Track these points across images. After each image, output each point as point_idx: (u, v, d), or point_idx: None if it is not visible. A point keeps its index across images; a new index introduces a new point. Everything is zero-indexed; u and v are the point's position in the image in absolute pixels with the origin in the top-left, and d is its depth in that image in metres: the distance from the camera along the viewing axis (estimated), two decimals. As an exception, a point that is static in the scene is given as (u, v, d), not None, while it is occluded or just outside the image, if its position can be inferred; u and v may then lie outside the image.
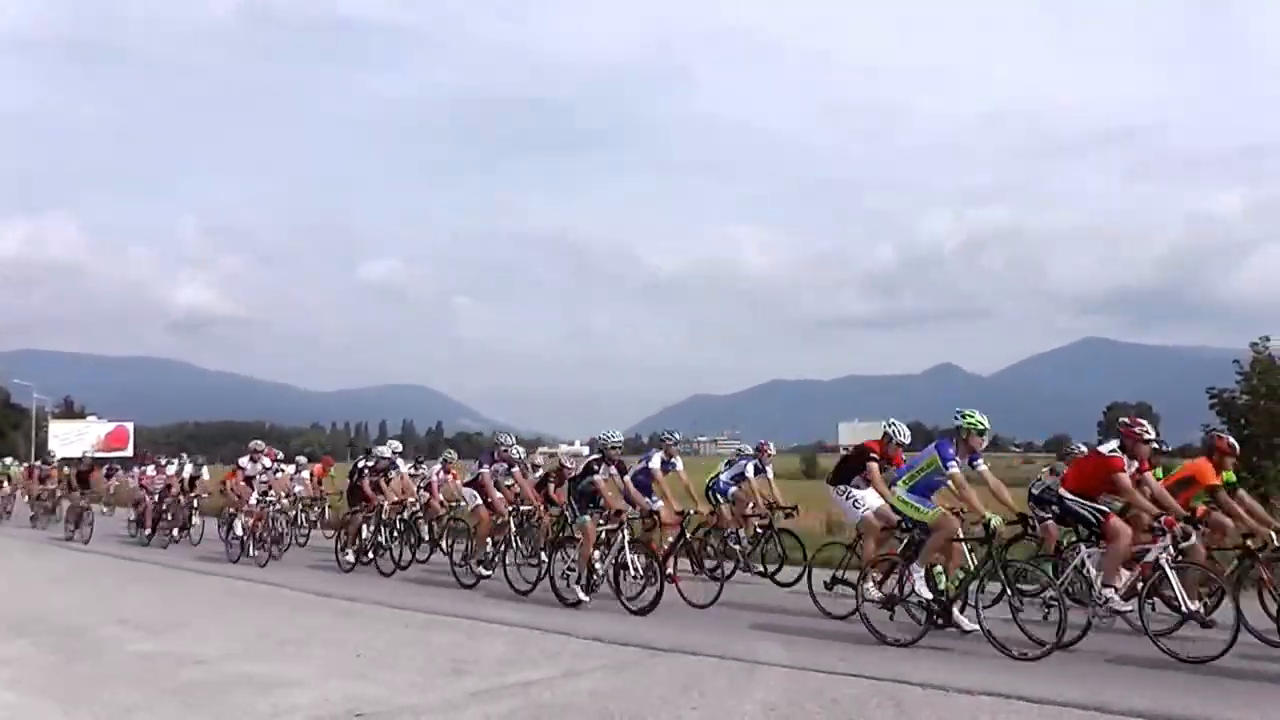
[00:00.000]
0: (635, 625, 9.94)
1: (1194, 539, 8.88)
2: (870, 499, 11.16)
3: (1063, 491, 9.23)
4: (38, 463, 32.59)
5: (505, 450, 14.15)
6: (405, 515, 15.56)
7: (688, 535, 12.68)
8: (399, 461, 16.76)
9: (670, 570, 11.49)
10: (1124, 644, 8.74)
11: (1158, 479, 9.56)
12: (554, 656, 8.37)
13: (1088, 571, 8.84)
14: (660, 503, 12.90)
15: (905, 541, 10.01)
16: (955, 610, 8.95)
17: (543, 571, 12.25)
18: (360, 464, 16.83)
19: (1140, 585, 8.52)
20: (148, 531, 20.79)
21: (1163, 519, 8.45)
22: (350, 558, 15.53)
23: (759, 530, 13.90)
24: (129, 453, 67.68)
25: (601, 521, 11.67)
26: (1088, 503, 8.97)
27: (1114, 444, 9.14)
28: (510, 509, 13.75)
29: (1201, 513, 9.08)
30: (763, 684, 7.27)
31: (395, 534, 15.31)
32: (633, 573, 11.16)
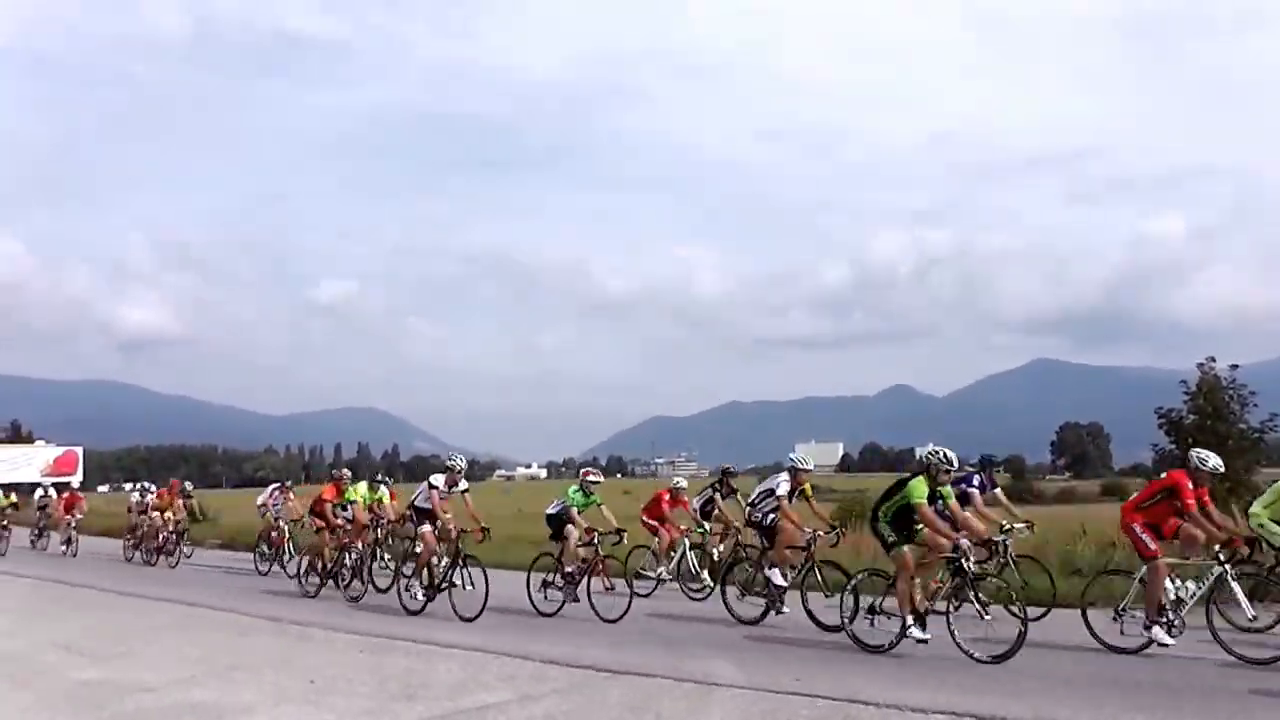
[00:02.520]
0: (591, 647, 9.87)
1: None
2: None
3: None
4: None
5: None
6: None
7: None
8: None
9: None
10: (1072, 661, 8.88)
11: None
12: (509, 680, 8.31)
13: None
14: None
15: None
16: None
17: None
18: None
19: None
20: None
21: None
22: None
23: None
24: (79, 478, 66.37)
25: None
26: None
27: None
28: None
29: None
30: (719, 705, 7.27)
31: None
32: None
